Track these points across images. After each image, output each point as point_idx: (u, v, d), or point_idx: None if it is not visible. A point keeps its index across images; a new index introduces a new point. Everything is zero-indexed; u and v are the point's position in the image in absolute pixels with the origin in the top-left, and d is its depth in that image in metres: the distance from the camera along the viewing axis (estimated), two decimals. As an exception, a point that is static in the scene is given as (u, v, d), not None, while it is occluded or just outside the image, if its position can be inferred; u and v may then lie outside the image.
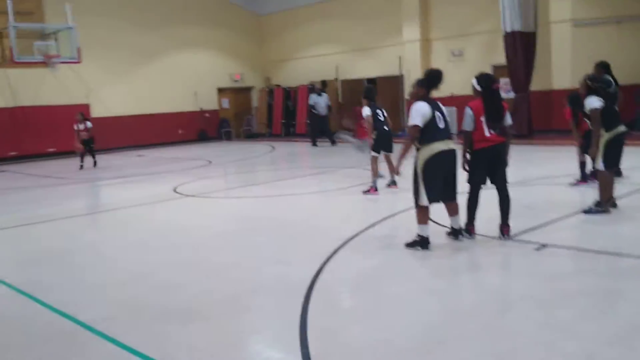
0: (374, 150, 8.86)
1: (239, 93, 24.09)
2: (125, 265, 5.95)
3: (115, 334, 4.01)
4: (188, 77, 22.04)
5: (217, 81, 23.14)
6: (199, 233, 7.16)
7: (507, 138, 5.73)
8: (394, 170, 8.06)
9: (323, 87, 21.49)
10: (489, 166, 5.70)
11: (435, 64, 17.47)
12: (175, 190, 10.41)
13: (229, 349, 3.80)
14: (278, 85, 23.18)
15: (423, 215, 5.57)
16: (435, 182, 5.50)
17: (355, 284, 4.91)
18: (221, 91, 23.42)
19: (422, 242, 5.57)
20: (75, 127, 15.04)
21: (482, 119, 5.60)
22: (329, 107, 18.55)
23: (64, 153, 18.60)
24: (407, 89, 18.51)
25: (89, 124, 15.17)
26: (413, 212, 5.68)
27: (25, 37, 16.92)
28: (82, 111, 15.99)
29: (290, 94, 22.55)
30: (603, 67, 8.22)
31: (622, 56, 13.84)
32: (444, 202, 5.74)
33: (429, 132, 5.46)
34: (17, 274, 5.77)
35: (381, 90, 20.05)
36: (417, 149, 5.56)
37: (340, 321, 4.13)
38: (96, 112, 19.55)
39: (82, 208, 9.43)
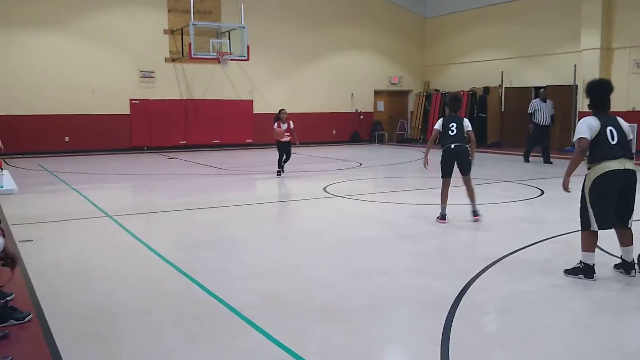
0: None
1: (395, 96, 24.03)
2: (273, 257, 6.16)
3: (260, 323, 4.13)
4: (346, 78, 22.41)
5: (374, 83, 23.26)
6: (344, 234, 7.19)
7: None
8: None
9: (485, 94, 20.67)
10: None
11: (616, 75, 16.03)
12: (325, 190, 10.60)
13: (366, 355, 3.74)
14: (437, 90, 22.75)
15: (589, 241, 5.05)
16: (606, 205, 4.95)
17: (504, 307, 4.57)
18: (377, 93, 23.52)
19: (585, 271, 5.06)
20: (277, 127, 12.70)
21: None
22: (553, 117, 15.12)
23: (227, 145, 19.90)
24: (582, 100, 17.22)
25: (291, 124, 12.82)
26: (576, 237, 5.18)
27: (202, 35, 18.34)
28: (283, 108, 13.24)
29: (449, 100, 21.97)
30: None
31: None
32: (617, 228, 5.15)
33: (598, 150, 4.95)
34: (177, 255, 6.21)
35: (551, 100, 18.77)
36: (588, 169, 5.06)
37: (486, 345, 3.88)
38: (258, 108, 20.66)
39: (238, 199, 9.94)
